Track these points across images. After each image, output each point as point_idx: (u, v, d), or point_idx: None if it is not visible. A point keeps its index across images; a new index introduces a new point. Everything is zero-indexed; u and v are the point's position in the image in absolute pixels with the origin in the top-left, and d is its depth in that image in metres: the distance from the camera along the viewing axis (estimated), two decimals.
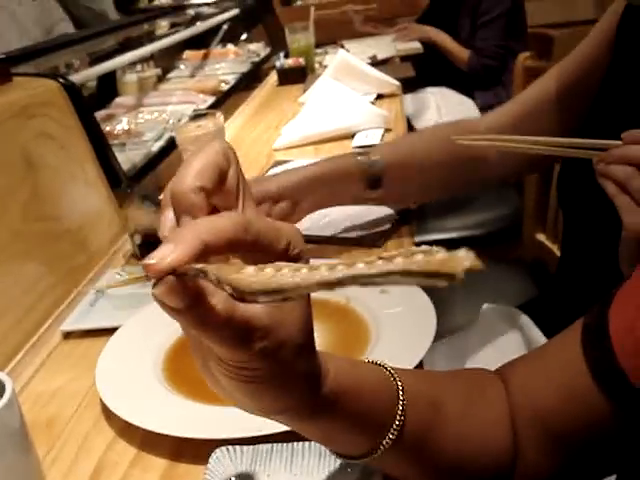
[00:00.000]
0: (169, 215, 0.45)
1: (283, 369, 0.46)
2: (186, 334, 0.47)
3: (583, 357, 0.58)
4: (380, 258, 0.33)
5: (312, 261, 0.43)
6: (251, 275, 0.37)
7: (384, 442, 0.54)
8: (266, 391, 0.46)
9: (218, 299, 0.41)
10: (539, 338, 1.24)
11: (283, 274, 0.36)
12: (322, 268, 0.35)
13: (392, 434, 0.54)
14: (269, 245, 0.43)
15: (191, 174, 0.45)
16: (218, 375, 0.46)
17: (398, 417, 0.55)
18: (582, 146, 0.94)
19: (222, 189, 0.47)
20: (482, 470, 0.61)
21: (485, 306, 1.39)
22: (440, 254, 0.32)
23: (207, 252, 0.40)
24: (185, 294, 0.40)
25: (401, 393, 0.55)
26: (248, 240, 0.42)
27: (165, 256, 0.39)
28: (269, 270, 0.37)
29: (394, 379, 0.56)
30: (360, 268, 0.34)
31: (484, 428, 0.62)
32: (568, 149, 0.97)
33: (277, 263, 0.37)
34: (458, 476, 0.61)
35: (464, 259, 0.31)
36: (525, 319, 1.29)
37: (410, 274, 0.32)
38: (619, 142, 0.85)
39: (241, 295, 0.37)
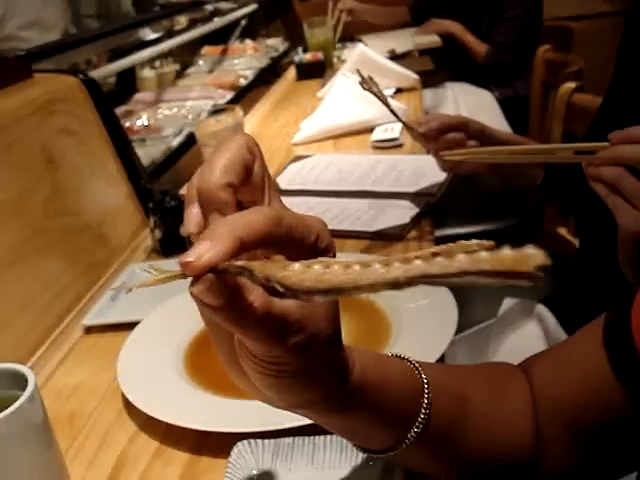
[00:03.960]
0: (194, 211, 0.45)
1: (313, 363, 0.45)
2: (210, 329, 0.46)
3: (605, 354, 0.57)
4: (434, 254, 0.32)
5: (339, 255, 0.42)
6: (300, 272, 0.36)
7: (409, 436, 0.54)
8: (295, 385, 0.46)
9: (255, 295, 0.41)
10: (559, 332, 1.23)
11: (333, 271, 0.35)
12: (376, 265, 0.33)
13: (417, 428, 0.54)
14: (300, 239, 0.42)
15: (218, 170, 0.44)
16: (247, 370, 0.46)
17: (423, 411, 0.54)
18: (571, 150, 0.93)
19: (248, 184, 0.46)
20: (506, 462, 0.61)
21: (506, 300, 1.38)
22: (507, 251, 0.30)
23: (242, 249, 0.39)
24: (224, 291, 0.39)
25: (426, 387, 0.55)
26: (281, 235, 0.41)
27: (202, 254, 0.38)
28: (317, 267, 0.36)
29: (419, 373, 0.56)
30: (419, 265, 0.32)
31: (508, 421, 0.61)
32: (557, 155, 0.96)
33: (322, 259, 0.36)
34: (482, 470, 0.60)
35: (535, 256, 0.30)
36: (546, 313, 1.28)
37: (487, 274, 0.30)
38: (606, 143, 0.84)
39: (294, 293, 0.36)
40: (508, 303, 1.37)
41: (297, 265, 0.36)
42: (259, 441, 0.70)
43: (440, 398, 0.55)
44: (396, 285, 0.33)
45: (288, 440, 0.70)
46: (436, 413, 0.55)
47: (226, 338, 0.46)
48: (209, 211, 0.44)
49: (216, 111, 1.66)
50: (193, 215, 0.45)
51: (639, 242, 0.81)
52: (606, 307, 0.61)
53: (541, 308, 1.30)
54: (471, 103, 3.06)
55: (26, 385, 0.66)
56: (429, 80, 2.76)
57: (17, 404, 0.63)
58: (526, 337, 1.26)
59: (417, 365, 0.57)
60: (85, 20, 2.98)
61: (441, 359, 0.82)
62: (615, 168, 0.82)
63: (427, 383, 0.55)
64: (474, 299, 1.49)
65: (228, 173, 0.44)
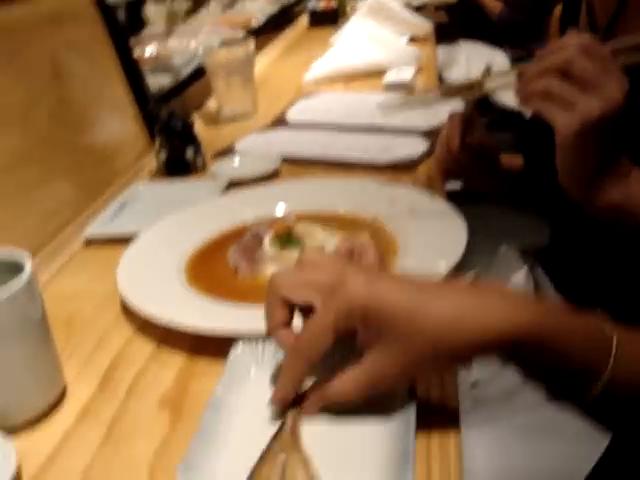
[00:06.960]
0: None
1: None
2: None
3: None
4: None
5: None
6: None
7: None
8: None
9: None
10: (546, 282, 1.21)
11: None
12: None
13: None
14: None
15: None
16: None
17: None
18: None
19: None
20: None
21: (502, 248, 1.36)
22: None
23: None
24: None
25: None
26: None
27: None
28: None
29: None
30: None
31: None
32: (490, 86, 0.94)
33: None
34: None
35: None
36: (533, 263, 1.26)
37: None
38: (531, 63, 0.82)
39: None
40: (502, 251, 1.35)
41: None
42: (259, 342, 0.68)
43: None
44: None
45: None
46: None
47: None
48: None
49: (228, 42, 1.63)
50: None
51: (579, 142, 0.78)
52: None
53: (528, 257, 1.28)
54: (482, 62, 3.02)
55: (22, 272, 0.64)
56: (442, 34, 2.71)
57: (14, 288, 0.62)
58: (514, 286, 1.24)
59: None
60: None
61: None
62: (544, 78, 0.79)
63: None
64: (471, 246, 1.47)
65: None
